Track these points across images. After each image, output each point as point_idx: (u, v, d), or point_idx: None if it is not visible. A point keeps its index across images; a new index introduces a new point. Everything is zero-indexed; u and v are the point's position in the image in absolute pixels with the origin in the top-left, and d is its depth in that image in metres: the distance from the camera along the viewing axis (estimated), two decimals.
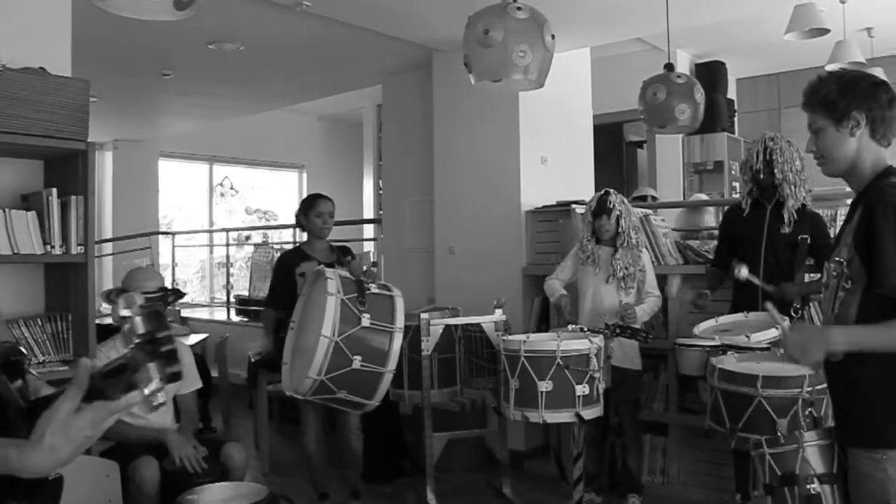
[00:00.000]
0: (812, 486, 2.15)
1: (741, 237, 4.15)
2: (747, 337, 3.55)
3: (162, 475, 3.35)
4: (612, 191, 4.31)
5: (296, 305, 3.99)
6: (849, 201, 2.32)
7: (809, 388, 3.09)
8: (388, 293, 3.74)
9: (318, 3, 4.73)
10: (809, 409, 3.07)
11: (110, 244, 9.48)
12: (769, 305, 2.33)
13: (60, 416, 1.10)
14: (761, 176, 4.00)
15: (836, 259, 2.14)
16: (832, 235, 4.07)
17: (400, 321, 3.63)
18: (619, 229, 4.22)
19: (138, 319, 1.08)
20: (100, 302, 7.48)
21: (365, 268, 4.08)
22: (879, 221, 1.99)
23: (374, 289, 3.71)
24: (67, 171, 3.30)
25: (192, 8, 2.62)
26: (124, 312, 1.06)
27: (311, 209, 4.51)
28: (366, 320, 3.54)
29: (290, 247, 7.32)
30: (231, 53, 6.03)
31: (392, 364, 3.57)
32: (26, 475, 1.12)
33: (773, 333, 3.58)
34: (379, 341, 3.57)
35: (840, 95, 2.11)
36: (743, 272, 3.80)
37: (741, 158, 4.31)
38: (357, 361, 3.49)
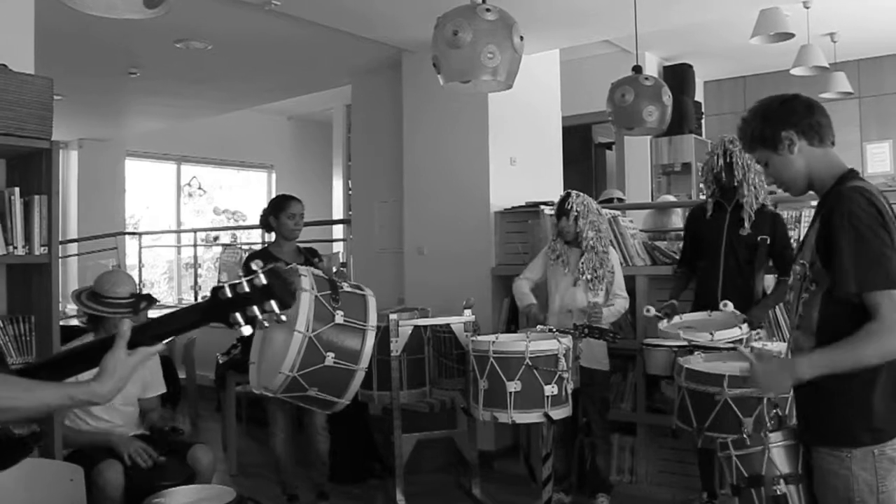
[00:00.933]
0: (778, 486, 2.17)
1: (702, 239, 4.22)
2: (711, 335, 3.60)
3: (126, 479, 3.31)
4: (573, 192, 4.34)
5: None
6: (814, 203, 2.36)
7: None
8: (360, 292, 3.73)
9: (286, 2, 4.70)
10: (775, 410, 3.11)
11: (75, 245, 9.34)
12: (728, 305, 2.40)
13: (122, 357, 1.55)
14: (722, 178, 4.06)
15: (801, 262, 2.18)
16: (797, 237, 4.13)
17: (373, 319, 3.62)
18: (578, 229, 4.24)
19: (262, 275, 1.50)
20: (64, 303, 7.39)
21: (335, 269, 4.07)
22: (837, 227, 2.02)
23: (346, 287, 3.70)
24: (31, 170, 3.25)
25: (163, 7, 2.60)
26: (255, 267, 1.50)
27: (282, 211, 4.48)
28: (339, 317, 3.52)
29: (258, 247, 7.28)
30: (199, 52, 5.97)
31: (364, 362, 3.56)
32: (99, 402, 1.57)
33: (736, 332, 3.63)
34: (352, 339, 3.55)
35: (764, 125, 2.19)
36: (729, 307, 3.86)
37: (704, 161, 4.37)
38: (330, 358, 3.47)
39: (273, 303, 1.48)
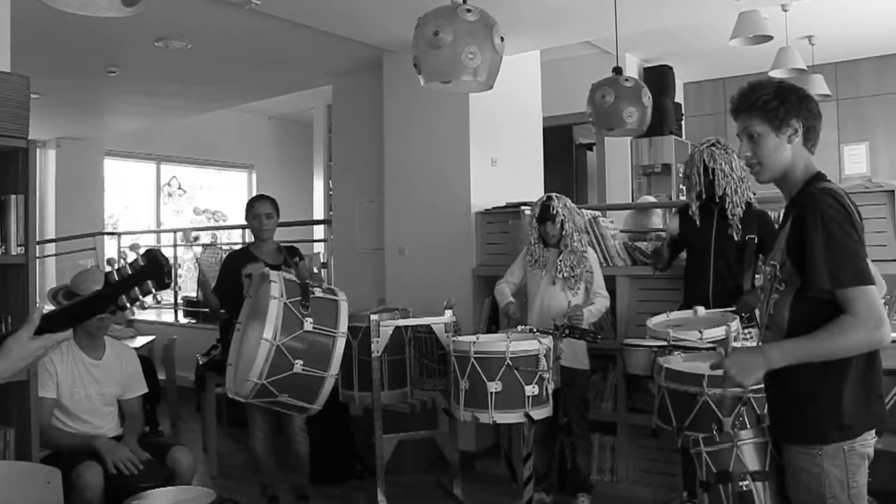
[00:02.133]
0: (744, 482, 2.20)
1: (690, 242, 4.25)
2: (700, 333, 3.63)
3: (106, 481, 3.29)
4: (554, 195, 4.35)
5: (242, 307, 3.95)
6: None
7: (755, 387, 3.15)
8: (332, 297, 3.73)
9: (267, 1, 4.68)
10: (744, 407, 3.14)
11: (53, 245, 9.26)
12: (699, 311, 2.43)
13: (23, 339, 1.67)
14: (703, 195, 4.12)
15: (771, 263, 2.21)
16: None
17: (343, 326, 3.63)
18: (564, 233, 4.26)
19: (140, 258, 1.65)
20: (42, 304, 7.31)
21: (315, 269, 4.06)
22: (810, 227, 2.05)
23: (318, 293, 3.69)
24: (7, 170, 3.22)
25: (141, 5, 2.58)
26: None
27: (248, 211, 4.51)
28: (308, 324, 3.52)
29: (238, 247, 7.24)
30: (179, 51, 5.94)
31: (334, 368, 3.56)
32: None
33: (724, 330, 3.65)
34: (321, 345, 3.55)
35: (780, 103, 2.18)
36: (699, 311, 3.90)
37: (685, 164, 4.40)
38: (298, 365, 3.47)
39: (149, 282, 1.65)
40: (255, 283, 3.93)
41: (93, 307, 1.71)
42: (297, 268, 4.25)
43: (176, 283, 9.37)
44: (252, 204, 4.56)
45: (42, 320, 1.68)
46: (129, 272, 1.65)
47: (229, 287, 4.40)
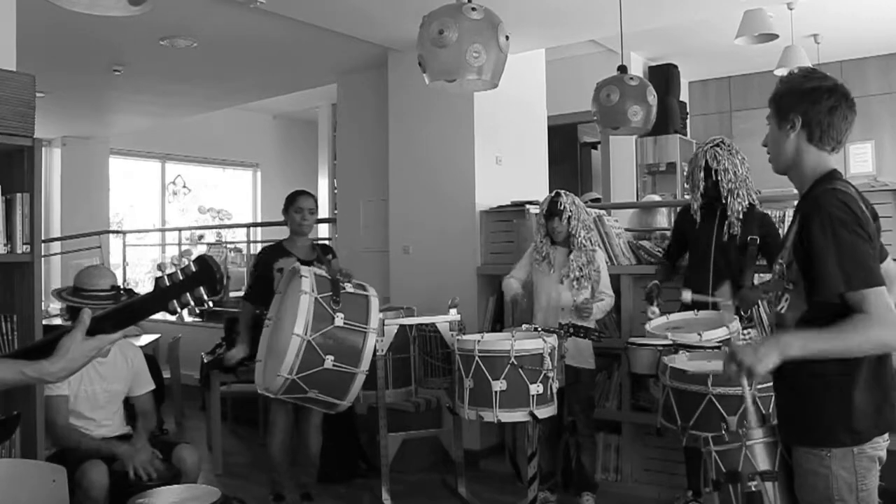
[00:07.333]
0: (753, 482, 2.18)
1: (692, 241, 4.24)
2: (699, 335, 3.62)
3: (111, 479, 3.29)
4: (562, 192, 4.35)
5: (272, 302, 3.95)
6: (796, 203, 2.37)
7: (759, 386, 3.14)
8: (363, 293, 3.73)
9: (272, 0, 4.69)
10: (754, 406, 3.13)
11: (58, 243, 9.28)
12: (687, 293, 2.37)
13: (77, 339, 1.65)
14: (705, 191, 4.10)
15: (780, 262, 2.19)
16: (781, 234, 4.16)
17: (374, 321, 3.63)
18: (571, 230, 4.26)
19: (192, 263, 1.66)
20: (47, 303, 7.33)
21: (342, 269, 4.07)
22: (816, 231, 2.01)
23: (349, 288, 3.69)
24: (13, 168, 3.23)
25: (147, 4, 2.58)
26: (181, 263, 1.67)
27: (291, 205, 4.49)
28: (339, 320, 3.52)
29: (243, 246, 7.24)
30: (184, 50, 5.94)
31: (365, 364, 3.56)
32: (49, 380, 1.69)
33: (723, 332, 3.65)
34: (352, 341, 3.55)
35: (784, 95, 2.16)
36: (686, 296, 3.89)
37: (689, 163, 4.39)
38: (329, 361, 3.47)
39: (202, 289, 1.66)
40: (286, 277, 3.93)
41: (143, 310, 1.71)
42: (329, 265, 4.25)
43: None
44: (295, 197, 4.51)
45: (92, 322, 1.67)
46: (181, 277, 1.66)
47: (262, 281, 4.38)
